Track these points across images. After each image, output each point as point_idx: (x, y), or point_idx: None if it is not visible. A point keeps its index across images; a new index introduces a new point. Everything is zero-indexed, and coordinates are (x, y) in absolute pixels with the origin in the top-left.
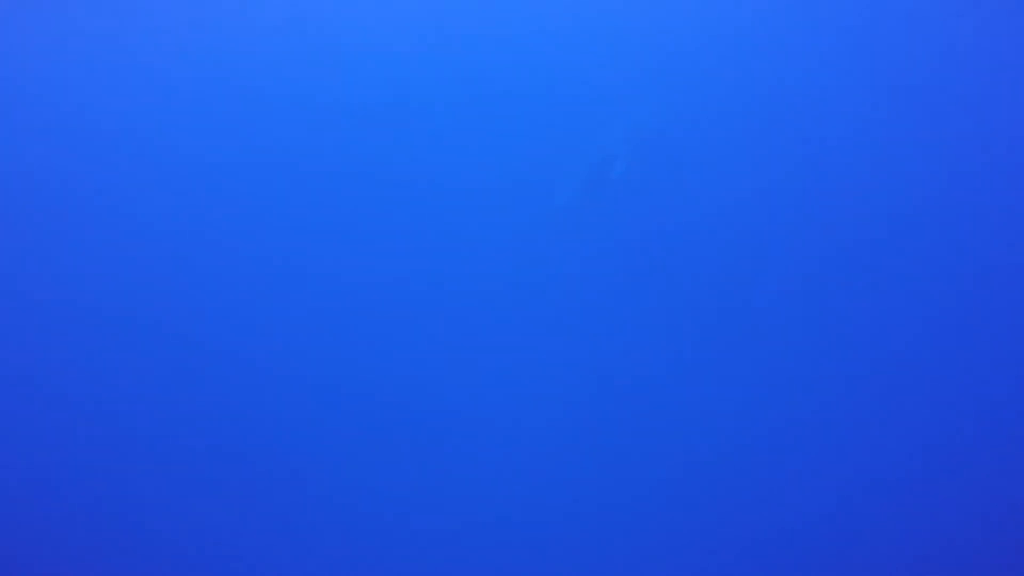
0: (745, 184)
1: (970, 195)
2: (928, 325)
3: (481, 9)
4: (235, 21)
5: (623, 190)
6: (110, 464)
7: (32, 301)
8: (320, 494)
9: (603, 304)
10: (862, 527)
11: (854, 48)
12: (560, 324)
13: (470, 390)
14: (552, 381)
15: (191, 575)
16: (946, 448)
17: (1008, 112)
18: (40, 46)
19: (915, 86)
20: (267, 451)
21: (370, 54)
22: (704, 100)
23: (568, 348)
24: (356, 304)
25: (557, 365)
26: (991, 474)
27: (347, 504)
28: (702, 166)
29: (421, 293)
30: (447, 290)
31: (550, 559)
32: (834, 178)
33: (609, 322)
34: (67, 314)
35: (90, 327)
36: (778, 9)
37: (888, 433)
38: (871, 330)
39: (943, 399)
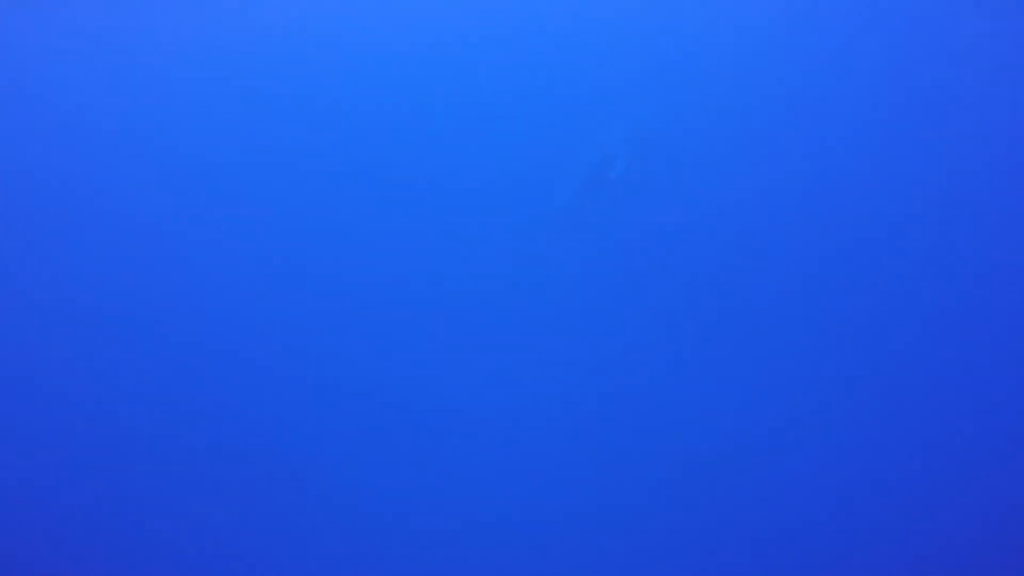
0: (744, 184)
1: (970, 195)
2: (928, 324)
3: (481, 10)
4: (235, 21)
5: (622, 190)
6: (110, 464)
7: (32, 301)
8: (320, 494)
9: (603, 304)
10: (862, 527)
11: (853, 48)
12: (560, 324)
13: (469, 389)
14: (551, 381)
15: (191, 575)
16: (946, 448)
17: (1008, 112)
18: (40, 46)
19: (914, 86)
20: (267, 451)
21: (371, 55)
22: (703, 100)
23: (568, 348)
24: (356, 304)
25: (557, 365)
26: (991, 474)
27: (347, 504)
28: (701, 166)
29: (421, 293)
30: (447, 290)
31: (550, 559)
32: (833, 178)
33: (608, 321)
34: (67, 314)
35: (90, 327)
36: (777, 10)
37: (888, 433)
38: (871, 330)
39: (943, 399)
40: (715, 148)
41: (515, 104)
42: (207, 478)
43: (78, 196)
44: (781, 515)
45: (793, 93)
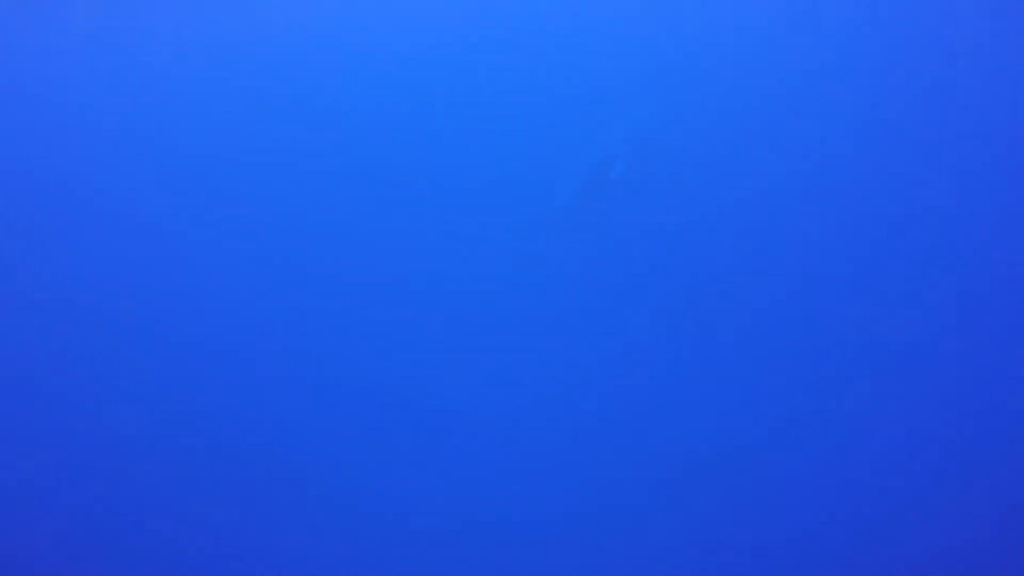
0: (744, 184)
1: (970, 195)
2: (928, 324)
3: (481, 10)
4: (236, 20)
5: (622, 190)
6: (110, 464)
7: (30, 301)
8: (320, 494)
9: (602, 303)
10: (862, 528)
11: (853, 49)
12: (559, 323)
13: (469, 389)
14: (551, 380)
15: (191, 575)
16: (947, 449)
17: (1008, 112)
18: (40, 45)
19: (913, 87)
20: (267, 451)
21: (371, 55)
22: (703, 101)
23: (567, 347)
24: (355, 303)
25: (556, 364)
26: (992, 474)
27: (347, 504)
28: (701, 166)
29: (421, 292)
30: (447, 289)
31: (550, 559)
32: (832, 177)
33: (608, 321)
34: (66, 314)
35: (89, 326)
36: (777, 10)
37: (888, 433)
38: (871, 330)
39: (943, 400)
40: (715, 148)
41: (515, 104)
42: (207, 478)
43: (77, 195)
44: (781, 515)
45: (793, 93)
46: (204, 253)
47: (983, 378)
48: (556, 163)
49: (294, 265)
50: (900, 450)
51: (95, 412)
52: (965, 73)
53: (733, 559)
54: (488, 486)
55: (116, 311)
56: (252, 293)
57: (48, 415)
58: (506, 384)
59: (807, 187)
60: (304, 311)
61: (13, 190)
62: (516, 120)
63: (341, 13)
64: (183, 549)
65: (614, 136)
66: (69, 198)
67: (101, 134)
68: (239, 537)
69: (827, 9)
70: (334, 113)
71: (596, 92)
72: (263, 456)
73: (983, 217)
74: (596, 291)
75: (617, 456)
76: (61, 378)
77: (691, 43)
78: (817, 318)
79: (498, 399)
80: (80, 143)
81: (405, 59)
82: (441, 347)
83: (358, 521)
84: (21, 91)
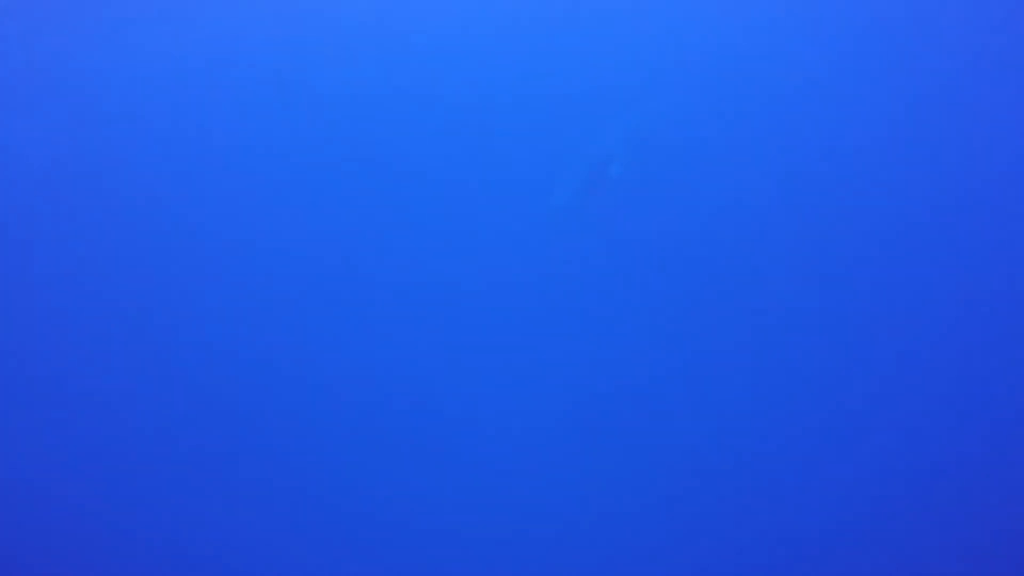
0: (744, 185)
1: (970, 199)
2: (928, 326)
3: (479, 9)
4: (235, 20)
5: (621, 190)
6: (110, 463)
7: (30, 300)
8: (320, 494)
9: (601, 303)
10: (862, 530)
11: (852, 50)
12: (558, 323)
13: (466, 389)
14: (549, 379)
15: (191, 575)
16: (947, 450)
17: (1008, 113)
18: (40, 43)
19: (911, 89)
20: (267, 451)
21: (368, 54)
22: (703, 101)
23: (565, 347)
24: (352, 303)
25: (554, 363)
26: (993, 475)
27: (347, 504)
28: (701, 167)
29: (417, 292)
30: (444, 289)
31: (551, 559)
32: (833, 178)
33: (607, 322)
34: (66, 313)
35: (89, 326)
36: (776, 12)
37: (888, 433)
38: (871, 331)
39: (944, 401)
40: (714, 148)
41: (513, 104)
42: (207, 477)
43: (74, 195)
44: (781, 515)
45: (792, 94)
46: (201, 251)
47: (986, 380)
48: (554, 163)
49: (290, 264)
50: (900, 451)
51: (94, 411)
52: (962, 76)
53: (734, 559)
54: (485, 486)
55: (116, 310)
56: (250, 291)
57: (47, 414)
58: (503, 383)
59: (807, 187)
60: (300, 310)
61: (12, 189)
62: (514, 120)
63: (339, 12)
64: (183, 549)
65: (613, 136)
66: (68, 197)
67: (100, 131)
68: (239, 537)
69: (825, 10)
70: (331, 112)
71: (595, 92)
72: (263, 456)
73: (985, 221)
74: (595, 290)
75: (616, 456)
76: (60, 377)
77: (690, 43)
78: (818, 318)
79: (495, 399)
80: (79, 142)
81: (403, 59)
82: (438, 346)
83: (358, 521)
84: (20, 89)
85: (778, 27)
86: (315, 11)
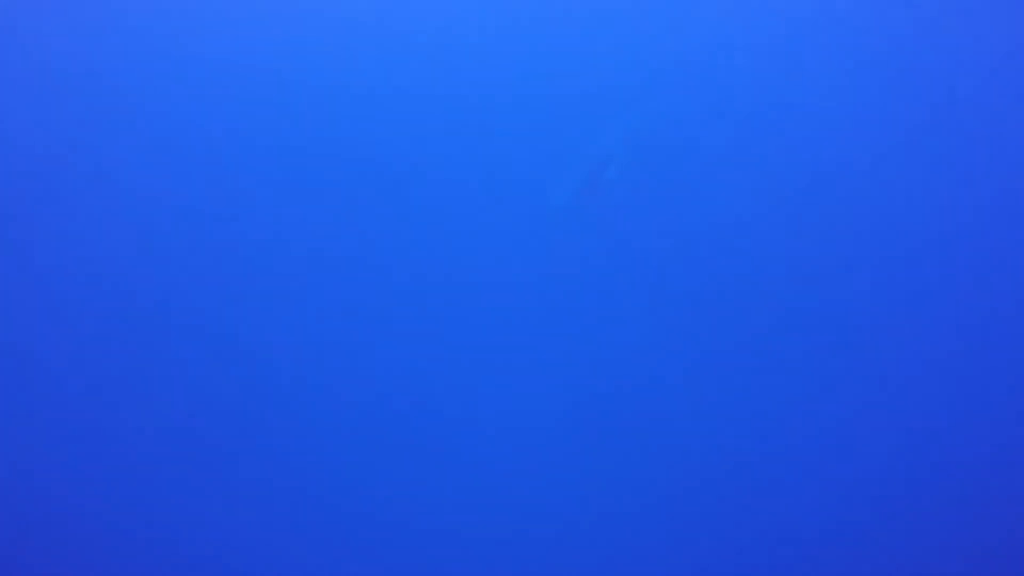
0: (740, 186)
1: (969, 203)
2: (924, 327)
3: (478, 11)
4: (236, 20)
5: (619, 191)
6: (110, 463)
7: (30, 299)
8: (320, 494)
9: (599, 304)
10: (862, 530)
11: (848, 54)
12: (556, 324)
13: (464, 389)
14: (546, 379)
15: (191, 575)
16: (946, 451)
17: (1008, 114)
18: (41, 43)
19: (908, 93)
20: (267, 451)
21: (368, 56)
22: (701, 103)
23: (563, 347)
24: (351, 303)
25: (552, 364)
26: (993, 475)
27: (347, 504)
28: (697, 168)
29: (417, 292)
30: (443, 289)
31: (550, 559)
32: (830, 180)
33: (605, 322)
34: (66, 313)
35: (89, 326)
36: (773, 16)
37: (887, 435)
38: (869, 332)
39: (944, 401)
40: (711, 150)
41: (512, 105)
42: (207, 477)
43: (75, 195)
44: (781, 515)
45: (788, 97)
46: (201, 252)
47: (984, 380)
48: (552, 164)
49: (290, 264)
50: (901, 451)
51: (94, 410)
52: (960, 79)
53: (733, 559)
54: (485, 486)
55: (116, 310)
56: (250, 291)
57: (47, 414)
58: (501, 384)
59: (803, 188)
60: (300, 310)
61: (13, 186)
62: (513, 122)
63: (340, 13)
64: (183, 549)
65: (610, 138)
66: (68, 197)
67: (99, 130)
68: (239, 537)
69: (821, 14)
70: (332, 113)
71: (593, 94)
72: (263, 456)
73: (985, 224)
74: (593, 290)
75: (613, 456)
76: (60, 377)
77: (688, 46)
78: (814, 319)
79: (493, 399)
80: (78, 141)
81: (402, 60)
82: (436, 346)
83: (358, 521)
84: (19, 86)
85: (774, 31)
86: (315, 11)
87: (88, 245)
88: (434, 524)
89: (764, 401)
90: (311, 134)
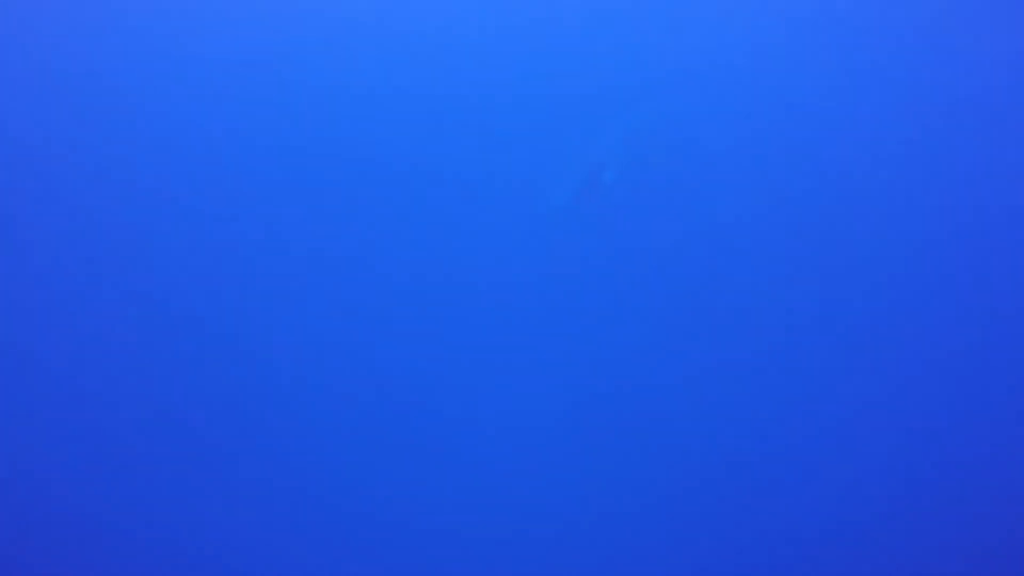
0: (740, 189)
1: (969, 200)
2: (925, 327)
3: (477, 12)
4: (236, 20)
5: (617, 194)
6: (110, 463)
7: (30, 299)
8: (320, 494)
9: (596, 307)
10: (862, 530)
11: (844, 57)
12: (555, 324)
13: (462, 391)
14: (546, 380)
15: (191, 575)
16: (947, 452)
17: (1008, 115)
18: (40, 42)
19: (905, 96)
20: (267, 451)
21: (367, 56)
22: (699, 106)
23: (561, 348)
24: (350, 303)
25: (551, 364)
26: (993, 475)
27: (347, 504)
28: (697, 170)
29: (413, 294)
30: (440, 292)
31: (550, 559)
32: (829, 183)
33: (605, 323)
34: (65, 311)
35: (89, 326)
36: (769, 20)
37: (887, 435)
38: (868, 334)
39: (944, 401)
40: (710, 153)
41: (509, 108)
42: (207, 477)
43: (75, 194)
44: (781, 515)
45: (785, 100)
46: (201, 251)
47: (985, 381)
48: (550, 167)
49: (289, 265)
50: (900, 451)
51: (94, 411)
52: (958, 81)
53: (733, 559)
54: (484, 486)
55: (115, 310)
56: (250, 291)
57: (47, 415)
58: (501, 383)
59: (802, 191)
60: (300, 310)
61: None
62: (510, 125)
63: (338, 14)
64: (183, 549)
65: (609, 141)
66: (68, 197)
67: (100, 131)
68: (239, 537)
69: (817, 18)
70: (328, 114)
71: (591, 97)
72: (263, 455)
73: (985, 229)
74: (591, 291)
75: (610, 459)
76: (60, 377)
77: (688, 47)
78: (813, 322)
79: (490, 401)
80: (80, 142)
81: (401, 62)
82: (435, 346)
83: (358, 521)
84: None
85: (774, 33)
86: (315, 11)
87: (87, 244)
88: (434, 524)
89: (764, 402)
90: (310, 135)
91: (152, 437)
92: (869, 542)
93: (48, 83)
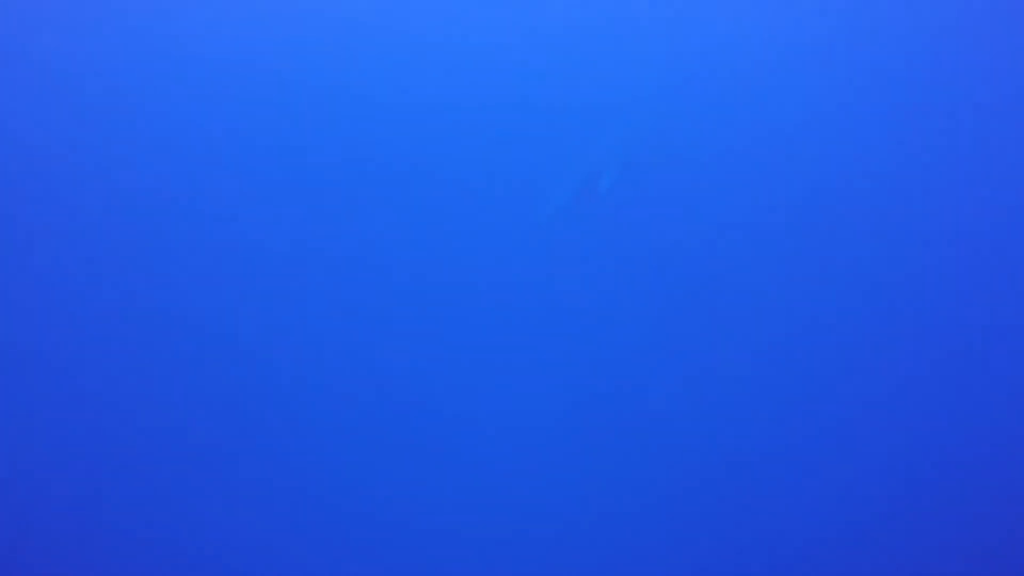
0: (737, 193)
1: (969, 207)
2: (925, 328)
3: (476, 16)
4: (236, 20)
5: (615, 197)
6: (110, 463)
7: (29, 299)
8: (320, 494)
9: (595, 309)
10: (861, 530)
11: (848, 60)
12: (555, 325)
13: (460, 393)
14: (545, 381)
15: (191, 575)
16: (947, 452)
17: (1008, 116)
18: (41, 42)
19: (902, 98)
20: (267, 451)
21: (367, 59)
22: (697, 110)
23: (562, 348)
24: (350, 304)
25: (550, 365)
26: (993, 475)
27: (347, 504)
28: (694, 175)
29: (411, 297)
30: (441, 291)
31: (550, 559)
32: (826, 189)
33: (601, 327)
34: (64, 311)
35: (89, 325)
36: (765, 24)
37: (888, 436)
38: (865, 337)
39: (944, 401)
40: (708, 156)
41: (507, 111)
42: (207, 477)
43: (75, 194)
44: (781, 515)
45: (786, 103)
46: (201, 251)
47: (987, 381)
48: (548, 170)
49: (289, 265)
50: (900, 451)
51: (94, 410)
52: (957, 76)
53: (733, 559)
54: (483, 486)
55: (115, 309)
56: (249, 291)
57: (47, 415)
58: (501, 384)
59: (800, 196)
60: (300, 311)
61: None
62: (508, 128)
63: (337, 16)
64: (183, 549)
65: (606, 144)
66: (68, 196)
67: (100, 130)
68: (239, 537)
69: (823, 19)
70: (331, 116)
71: (588, 100)
72: (263, 456)
73: (985, 231)
74: (589, 293)
75: (608, 461)
76: (60, 377)
77: (684, 53)
78: (810, 326)
79: (493, 398)
80: (79, 141)
81: (400, 64)
82: (435, 347)
83: (358, 521)
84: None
85: (768, 40)
86: (315, 13)
87: (87, 244)
88: (434, 524)
89: (763, 403)
90: (310, 136)
91: (152, 437)
92: (869, 542)
93: (48, 83)
